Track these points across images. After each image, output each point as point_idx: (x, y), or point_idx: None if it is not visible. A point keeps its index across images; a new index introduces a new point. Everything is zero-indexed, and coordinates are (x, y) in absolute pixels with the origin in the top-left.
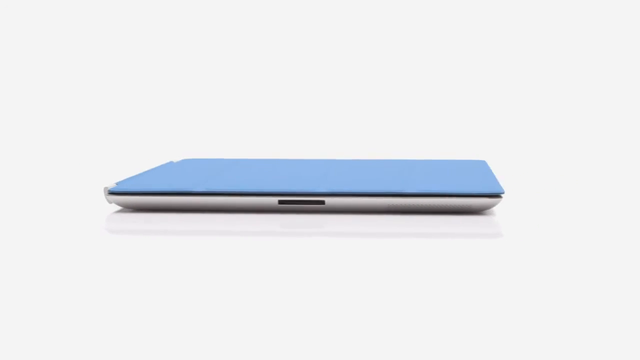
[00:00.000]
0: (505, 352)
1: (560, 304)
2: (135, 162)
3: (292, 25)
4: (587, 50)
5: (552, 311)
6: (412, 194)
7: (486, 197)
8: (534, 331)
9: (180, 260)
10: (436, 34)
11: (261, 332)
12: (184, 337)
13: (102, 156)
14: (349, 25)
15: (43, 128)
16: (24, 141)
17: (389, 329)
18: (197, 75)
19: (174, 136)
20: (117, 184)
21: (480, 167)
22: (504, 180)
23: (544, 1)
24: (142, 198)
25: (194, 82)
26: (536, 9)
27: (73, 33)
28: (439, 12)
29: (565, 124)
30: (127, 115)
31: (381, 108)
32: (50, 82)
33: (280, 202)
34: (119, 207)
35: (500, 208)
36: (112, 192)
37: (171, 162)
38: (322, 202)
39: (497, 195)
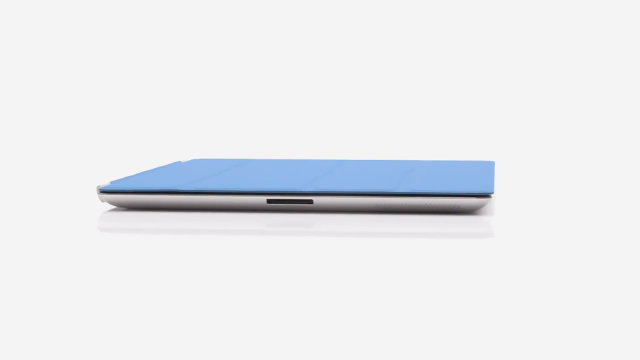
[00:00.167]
0: (495, 351)
1: (547, 305)
2: (151, 163)
3: (303, 26)
4: (605, 51)
5: (539, 311)
6: (400, 193)
7: (474, 197)
8: (521, 331)
9: (167, 259)
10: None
11: (249, 330)
12: (172, 335)
13: (122, 158)
14: (360, 27)
15: (58, 129)
16: (36, 141)
17: (377, 328)
18: (219, 77)
19: (193, 136)
20: (111, 182)
21: (483, 168)
22: (513, 182)
23: (556, 3)
24: (132, 197)
25: (216, 83)
26: (549, 11)
27: (87, 35)
28: (456, 14)
29: (590, 127)
30: (147, 116)
31: (398, 110)
32: (66, 83)
33: (269, 201)
34: (114, 206)
35: (500, 209)
36: (103, 191)
37: (179, 162)
38: (311, 202)
39: (485, 195)
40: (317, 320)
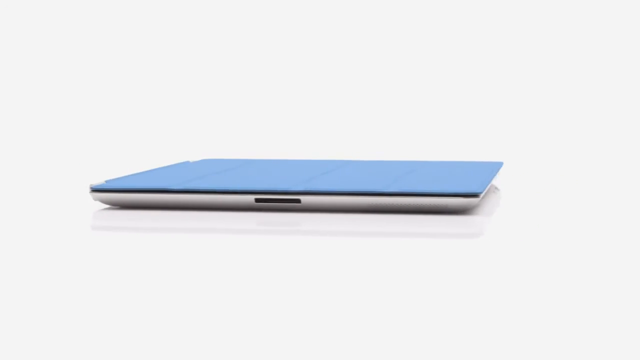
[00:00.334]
0: (484, 351)
1: (533, 304)
2: (166, 164)
3: (314, 27)
4: (616, 51)
5: (524, 311)
6: (388, 193)
7: (462, 197)
8: (507, 330)
9: (154, 257)
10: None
11: (238, 329)
12: (162, 333)
13: (140, 158)
14: (368, 29)
15: (70, 129)
16: (48, 142)
17: (365, 328)
18: (240, 79)
19: (212, 137)
20: (105, 181)
21: (484, 169)
22: (520, 183)
23: (563, 4)
24: (122, 195)
25: (236, 86)
26: (558, 12)
27: (97, 36)
28: (465, 16)
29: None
30: (166, 117)
31: (414, 111)
32: (82, 85)
33: (257, 200)
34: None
35: (499, 209)
36: (94, 190)
37: (186, 162)
38: (298, 201)
39: (473, 195)
40: (304, 319)
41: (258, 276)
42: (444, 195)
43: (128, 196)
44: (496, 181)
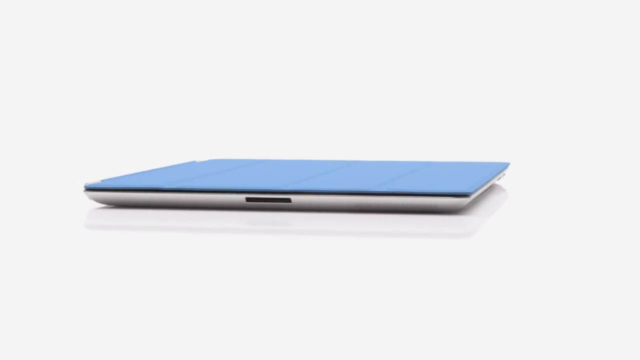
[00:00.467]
0: (472, 351)
1: (516, 305)
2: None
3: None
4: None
5: (508, 311)
6: (377, 192)
7: (452, 197)
8: (493, 330)
9: (145, 256)
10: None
11: (226, 328)
12: (154, 331)
13: (157, 158)
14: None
15: (87, 130)
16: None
17: (353, 327)
18: (250, 78)
19: (226, 137)
20: (102, 180)
21: (485, 169)
22: (526, 184)
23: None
24: (115, 194)
25: (248, 85)
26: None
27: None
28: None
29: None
30: (179, 118)
31: (427, 112)
32: (92, 85)
33: (248, 199)
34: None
35: (499, 210)
36: (87, 189)
37: (193, 162)
38: (289, 200)
39: (463, 195)
40: (293, 318)
41: (247, 275)
42: (434, 195)
43: (121, 195)
44: (501, 182)
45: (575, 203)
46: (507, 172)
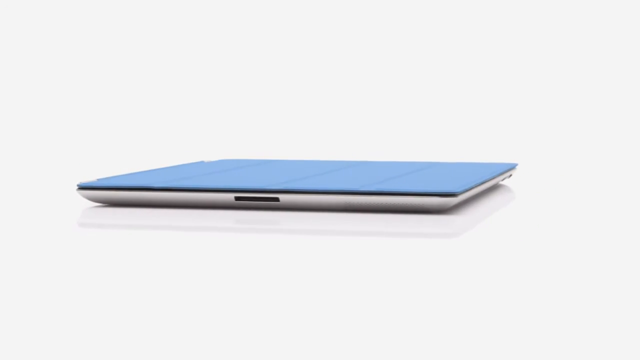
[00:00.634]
0: (456, 352)
1: (498, 306)
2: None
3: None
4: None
5: (490, 311)
6: (363, 192)
7: (439, 197)
8: (475, 330)
9: (132, 254)
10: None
11: (214, 326)
12: (143, 329)
13: (175, 159)
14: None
15: (101, 131)
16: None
17: (339, 326)
18: (270, 79)
19: (242, 137)
20: (97, 179)
21: (484, 170)
22: (535, 185)
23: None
24: (107, 193)
25: (268, 86)
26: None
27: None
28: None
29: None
30: (194, 118)
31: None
32: (105, 86)
33: (237, 198)
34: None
35: (500, 210)
36: (80, 187)
37: (202, 162)
38: (277, 199)
39: (450, 195)
40: (280, 316)
41: (235, 274)
42: (420, 195)
43: (112, 194)
44: (509, 182)
45: (576, 205)
46: (519, 172)
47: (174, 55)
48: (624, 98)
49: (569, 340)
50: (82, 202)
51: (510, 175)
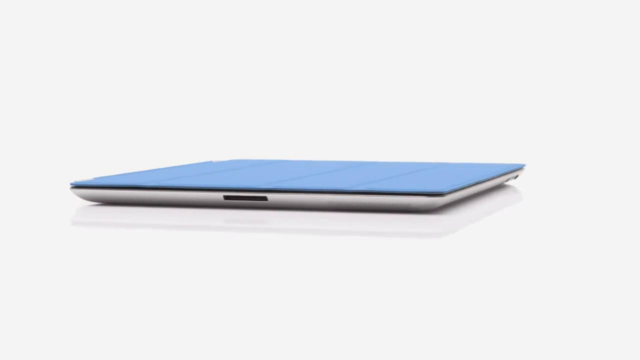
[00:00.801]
0: (439, 351)
1: (483, 306)
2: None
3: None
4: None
5: (475, 312)
6: (350, 191)
7: (425, 196)
8: (458, 330)
9: (121, 253)
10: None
11: (202, 324)
12: (130, 328)
13: (190, 159)
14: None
15: (114, 133)
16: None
17: (325, 324)
18: (285, 80)
19: (259, 137)
20: (94, 178)
21: (484, 171)
22: (547, 187)
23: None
24: (99, 192)
25: (285, 86)
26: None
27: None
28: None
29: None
30: (210, 118)
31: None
32: (118, 86)
33: (226, 197)
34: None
35: (500, 210)
36: (74, 186)
37: (210, 162)
38: (265, 198)
39: (436, 195)
40: (266, 314)
41: (223, 272)
42: (407, 194)
43: (105, 192)
44: (517, 183)
45: (576, 206)
46: (531, 174)
47: (196, 57)
48: (637, 100)
49: (553, 340)
50: (76, 201)
51: (517, 176)
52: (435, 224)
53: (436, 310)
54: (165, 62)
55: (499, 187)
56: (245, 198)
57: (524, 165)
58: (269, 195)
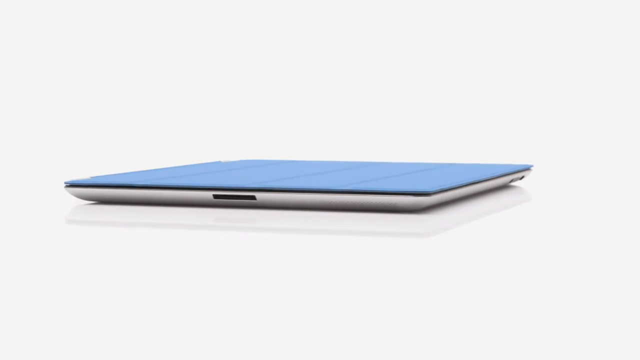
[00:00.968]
0: (421, 351)
1: (472, 306)
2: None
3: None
4: None
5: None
6: (337, 190)
7: (411, 196)
8: (448, 331)
9: (111, 251)
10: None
11: (190, 321)
12: (123, 326)
13: (200, 159)
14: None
15: (125, 133)
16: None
17: (313, 324)
18: (298, 81)
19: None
20: (91, 177)
21: (484, 171)
22: (555, 188)
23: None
24: (93, 190)
25: (299, 87)
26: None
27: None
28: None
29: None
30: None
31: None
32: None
33: (215, 196)
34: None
35: (500, 211)
36: (68, 185)
37: (218, 162)
38: (253, 197)
39: (422, 194)
40: (253, 315)
41: (212, 271)
42: (393, 194)
43: (98, 191)
44: (520, 183)
45: (579, 207)
46: (543, 175)
47: (208, 58)
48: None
49: (539, 340)
50: (71, 199)
51: (522, 177)
52: (421, 224)
53: (418, 309)
54: (179, 63)
55: (504, 187)
56: (234, 197)
57: (530, 166)
58: (258, 195)
